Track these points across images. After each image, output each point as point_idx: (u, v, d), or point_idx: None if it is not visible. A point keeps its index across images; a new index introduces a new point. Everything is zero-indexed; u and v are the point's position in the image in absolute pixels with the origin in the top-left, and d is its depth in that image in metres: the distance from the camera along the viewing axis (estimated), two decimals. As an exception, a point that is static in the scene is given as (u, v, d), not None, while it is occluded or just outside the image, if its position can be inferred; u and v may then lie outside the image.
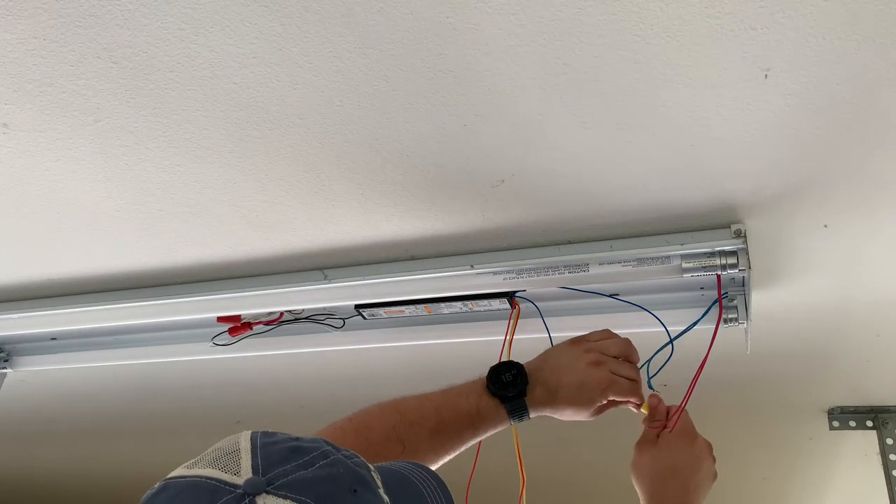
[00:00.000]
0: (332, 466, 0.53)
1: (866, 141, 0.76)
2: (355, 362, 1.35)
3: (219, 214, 0.98)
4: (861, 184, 0.83)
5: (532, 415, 0.90)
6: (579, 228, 0.95)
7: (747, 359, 1.11)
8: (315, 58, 0.71)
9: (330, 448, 0.55)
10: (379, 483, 0.56)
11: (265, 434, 0.56)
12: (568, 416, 0.91)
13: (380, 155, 0.84)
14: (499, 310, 1.10)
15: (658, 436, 0.94)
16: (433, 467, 0.88)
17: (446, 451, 0.88)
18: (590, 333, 0.96)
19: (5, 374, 1.41)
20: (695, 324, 0.99)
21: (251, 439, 0.55)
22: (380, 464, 0.61)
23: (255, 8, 0.66)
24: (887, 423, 1.37)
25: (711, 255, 0.91)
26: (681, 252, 0.92)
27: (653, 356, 0.98)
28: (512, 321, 1.06)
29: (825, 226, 0.90)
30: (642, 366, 0.96)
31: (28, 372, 1.42)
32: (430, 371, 1.36)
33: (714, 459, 0.94)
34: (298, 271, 1.09)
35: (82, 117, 0.81)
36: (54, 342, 1.38)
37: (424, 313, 1.13)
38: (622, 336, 0.96)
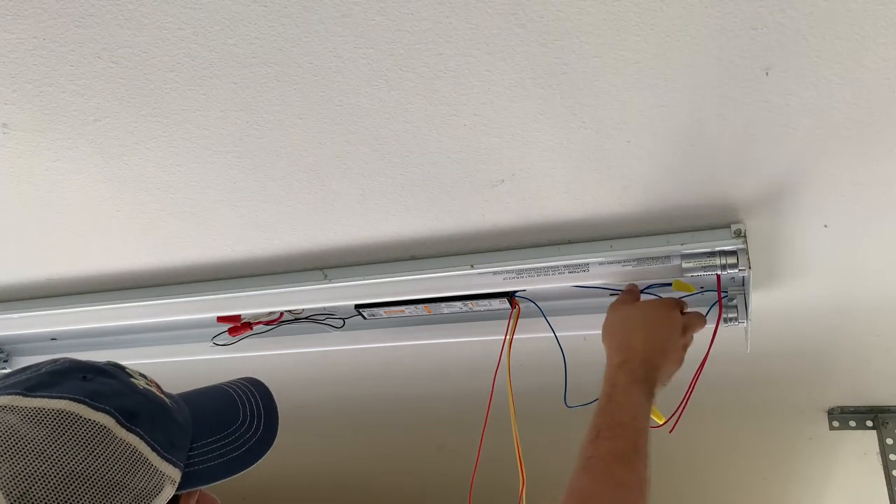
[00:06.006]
0: (57, 364, 0.58)
1: (866, 141, 0.76)
2: (355, 362, 1.35)
3: (219, 214, 0.98)
4: (861, 184, 0.82)
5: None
6: (579, 228, 0.95)
7: (747, 359, 1.11)
8: (315, 58, 0.71)
9: (68, 357, 0.60)
10: (140, 378, 0.60)
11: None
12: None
13: (380, 155, 0.84)
14: (499, 310, 1.10)
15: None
16: None
17: None
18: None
19: (5, 374, 1.41)
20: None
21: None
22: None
23: (254, 8, 0.66)
24: (887, 423, 1.37)
25: (711, 254, 0.91)
26: (681, 252, 0.92)
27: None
28: (512, 321, 1.06)
29: (825, 226, 0.90)
30: None
31: (28, 372, 1.42)
32: (430, 371, 1.36)
33: (685, 333, 0.92)
34: (298, 271, 1.09)
35: (82, 117, 0.81)
36: (54, 342, 1.37)
37: (424, 313, 1.13)
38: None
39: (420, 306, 1.11)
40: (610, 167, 0.83)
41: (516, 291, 1.06)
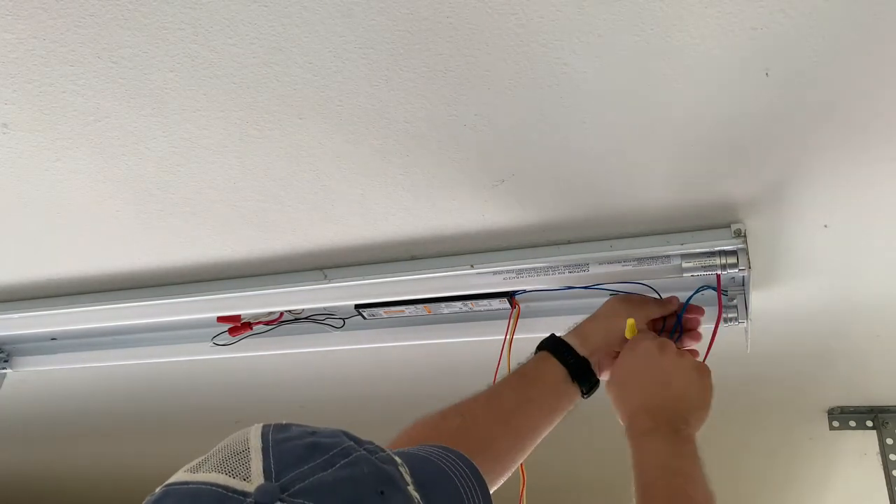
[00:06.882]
0: (354, 466, 0.49)
1: (866, 142, 0.76)
2: (355, 362, 1.35)
3: (219, 214, 0.98)
4: (861, 184, 0.82)
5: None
6: (579, 228, 0.95)
7: (747, 359, 1.11)
8: (315, 58, 0.71)
9: (351, 443, 0.51)
10: (408, 479, 0.51)
11: (278, 428, 0.51)
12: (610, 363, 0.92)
13: (380, 155, 0.84)
14: (499, 310, 1.10)
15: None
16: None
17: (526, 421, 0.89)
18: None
19: (5, 374, 1.41)
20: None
21: (262, 436, 0.50)
22: (407, 449, 0.57)
23: (254, 8, 0.66)
24: (887, 423, 1.37)
25: (711, 254, 0.91)
26: (681, 252, 0.92)
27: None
28: (512, 321, 1.06)
29: (825, 226, 0.90)
30: None
31: (28, 372, 1.42)
32: (430, 371, 1.36)
33: (704, 379, 0.87)
34: (298, 271, 1.09)
35: (82, 117, 0.81)
36: (54, 342, 1.38)
37: (424, 313, 1.13)
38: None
39: (420, 306, 1.11)
40: (610, 167, 0.83)
41: (516, 291, 1.06)
